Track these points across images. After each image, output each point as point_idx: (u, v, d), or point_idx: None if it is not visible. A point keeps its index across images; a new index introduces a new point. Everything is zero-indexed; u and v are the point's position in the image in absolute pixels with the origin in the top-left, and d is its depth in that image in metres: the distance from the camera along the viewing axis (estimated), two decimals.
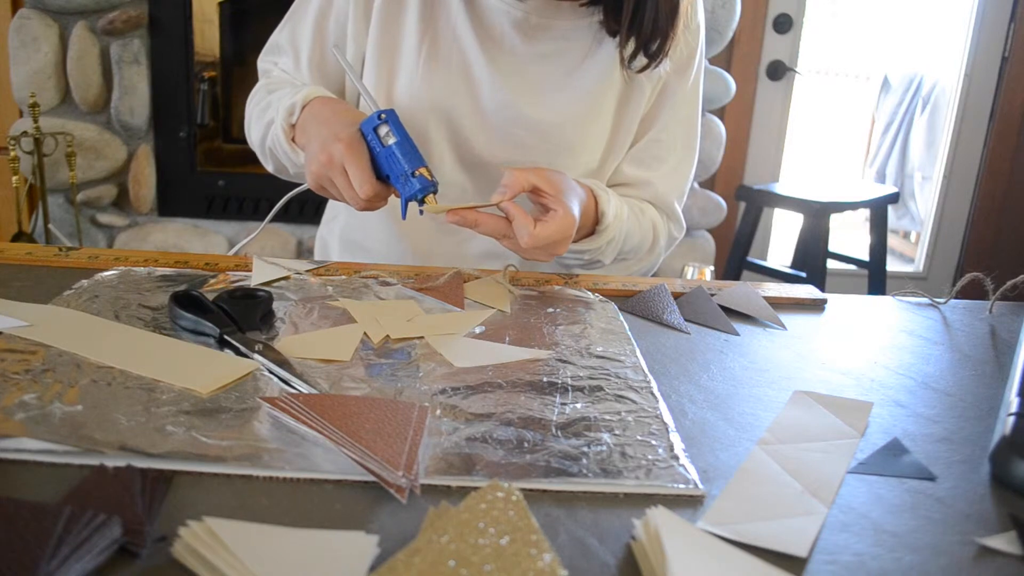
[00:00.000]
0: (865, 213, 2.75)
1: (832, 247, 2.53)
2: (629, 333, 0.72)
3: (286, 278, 0.81)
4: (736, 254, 2.52)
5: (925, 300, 0.90)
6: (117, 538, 0.37)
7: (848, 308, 0.86)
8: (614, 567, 0.40)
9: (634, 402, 0.58)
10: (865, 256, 2.62)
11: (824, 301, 0.87)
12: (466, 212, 0.74)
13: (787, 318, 0.81)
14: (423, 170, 0.75)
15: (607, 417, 0.55)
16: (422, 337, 0.68)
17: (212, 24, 2.36)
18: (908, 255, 3.73)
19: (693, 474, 0.48)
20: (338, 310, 0.73)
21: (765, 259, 2.87)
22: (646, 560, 0.40)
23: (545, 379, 0.61)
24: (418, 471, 0.46)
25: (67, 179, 2.20)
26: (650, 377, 0.63)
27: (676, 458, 0.50)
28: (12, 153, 2.05)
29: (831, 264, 2.65)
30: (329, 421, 0.49)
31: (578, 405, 0.57)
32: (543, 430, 0.52)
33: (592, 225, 0.87)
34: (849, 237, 3.53)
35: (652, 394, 0.59)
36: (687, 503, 0.46)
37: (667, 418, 0.56)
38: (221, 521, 0.39)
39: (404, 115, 0.90)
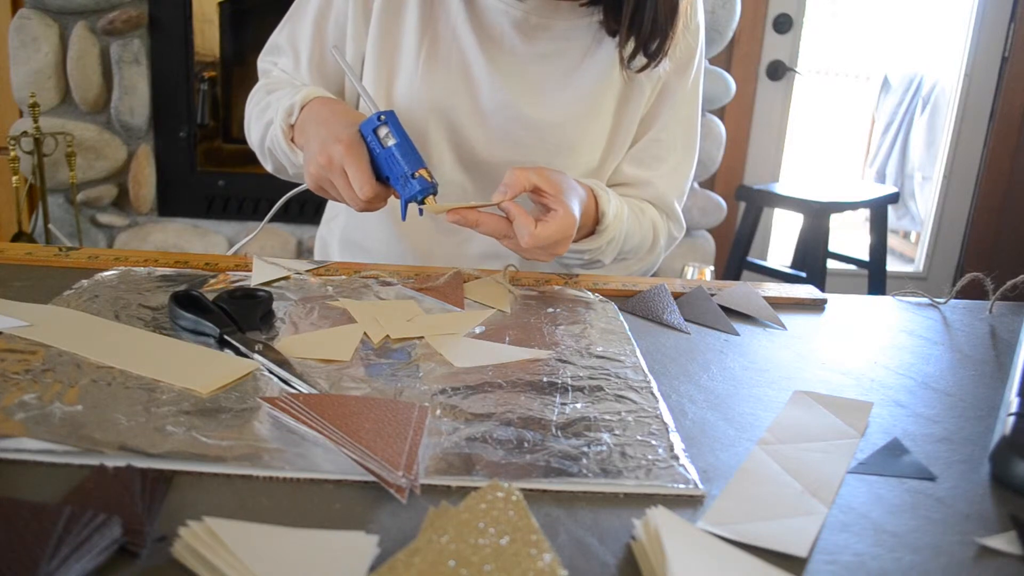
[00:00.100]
0: (865, 213, 2.75)
1: (832, 247, 2.53)
2: (629, 333, 0.72)
3: (286, 278, 0.81)
4: (736, 254, 2.52)
5: (925, 300, 0.90)
6: (117, 538, 0.37)
7: (848, 308, 0.86)
8: (614, 567, 0.40)
9: (634, 402, 0.58)
10: (865, 256, 2.62)
11: (824, 301, 0.87)
12: (467, 212, 0.74)
13: (787, 318, 0.81)
14: (423, 171, 0.75)
15: (607, 417, 0.55)
16: (422, 337, 0.68)
17: (212, 24, 2.36)
18: (908, 255, 3.73)
19: (693, 474, 0.48)
20: (338, 310, 0.73)
21: (765, 259, 2.87)
22: (646, 560, 0.40)
23: (545, 379, 0.61)
24: (418, 471, 0.46)
25: (67, 179, 2.20)
26: (650, 377, 0.63)
27: (676, 458, 0.50)
28: (12, 153, 2.05)
29: (831, 264, 2.65)
30: (329, 421, 0.49)
31: (578, 405, 0.57)
32: (543, 430, 0.52)
33: (592, 225, 0.87)
34: (849, 237, 3.53)
35: (652, 394, 0.59)
36: (687, 503, 0.46)
37: (667, 418, 0.56)
38: (221, 521, 0.39)
39: (404, 115, 0.90)
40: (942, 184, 3.07)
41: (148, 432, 0.49)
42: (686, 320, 0.78)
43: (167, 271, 0.81)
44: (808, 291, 0.89)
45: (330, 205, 1.10)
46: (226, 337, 0.63)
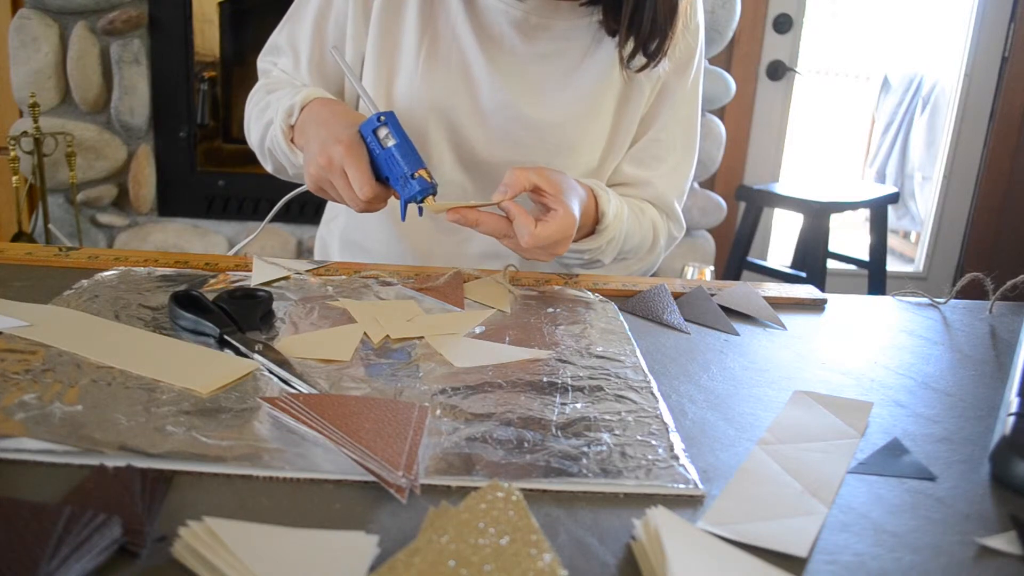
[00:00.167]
0: (865, 213, 2.75)
1: (832, 247, 2.53)
2: (629, 333, 0.72)
3: (286, 278, 0.81)
4: (736, 254, 2.52)
5: (925, 300, 0.90)
6: (117, 538, 0.37)
7: (848, 308, 0.86)
8: (614, 567, 0.40)
9: (634, 402, 0.58)
10: (865, 256, 2.62)
11: (824, 301, 0.87)
12: (467, 211, 0.74)
13: (787, 318, 0.81)
14: (422, 172, 0.75)
15: (607, 417, 0.55)
16: (422, 337, 0.68)
17: (212, 24, 2.36)
18: (908, 255, 3.73)
19: (693, 474, 0.48)
20: (338, 310, 0.73)
21: (765, 259, 2.87)
22: (646, 560, 0.40)
23: (545, 379, 0.61)
24: (418, 471, 0.46)
25: (67, 179, 2.20)
26: (650, 377, 0.63)
27: (676, 458, 0.50)
28: (12, 153, 2.05)
29: (831, 264, 2.65)
30: (329, 421, 0.49)
31: (578, 405, 0.57)
32: (543, 430, 0.52)
33: (592, 225, 0.87)
34: (849, 237, 3.53)
35: (652, 394, 0.59)
36: (687, 503, 0.46)
37: (667, 418, 0.56)
38: (221, 521, 0.39)
39: (403, 115, 0.90)
40: (942, 184, 3.07)
41: (148, 432, 0.49)
42: (686, 320, 0.78)
43: (167, 271, 0.81)
44: (808, 291, 0.89)
45: (330, 205, 1.10)
46: (226, 337, 0.63)
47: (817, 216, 2.36)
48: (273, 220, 1.05)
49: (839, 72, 4.32)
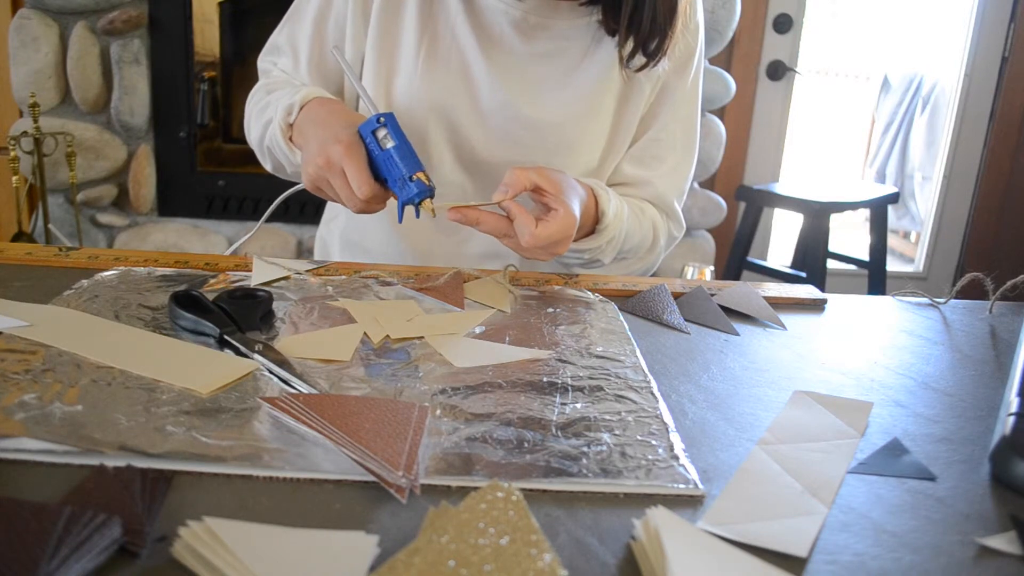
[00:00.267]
0: (865, 213, 2.75)
1: (832, 247, 2.53)
2: (629, 333, 0.72)
3: (286, 278, 0.81)
4: (736, 254, 2.52)
5: (925, 300, 0.90)
6: (117, 538, 0.37)
7: (848, 308, 0.86)
8: (614, 567, 0.40)
9: (634, 402, 0.58)
10: (865, 256, 2.62)
11: (824, 301, 0.87)
12: (467, 210, 0.74)
13: (787, 318, 0.81)
14: (421, 174, 0.75)
15: (607, 417, 0.55)
16: (422, 337, 0.68)
17: (212, 24, 2.36)
18: (908, 255, 3.73)
19: (693, 474, 0.48)
20: (338, 310, 0.73)
21: (765, 259, 2.87)
22: (646, 560, 0.40)
23: (545, 379, 0.61)
24: (418, 471, 0.46)
25: (67, 179, 2.20)
26: (650, 377, 0.63)
27: (676, 458, 0.50)
28: (12, 153, 2.05)
29: (831, 264, 2.65)
30: (329, 421, 0.49)
31: (578, 405, 0.57)
32: (543, 430, 0.52)
33: (592, 224, 0.87)
34: (849, 237, 3.53)
35: (652, 394, 0.59)
36: (687, 503, 0.46)
37: (667, 418, 0.56)
38: (221, 521, 0.39)
39: (403, 115, 0.90)
40: (942, 184, 3.07)
41: (148, 432, 0.49)
42: (686, 320, 0.78)
43: (167, 271, 0.81)
44: (808, 291, 0.89)
45: (330, 205, 1.10)
46: (226, 337, 0.63)
47: (817, 216, 2.36)
48: (273, 220, 1.05)
49: (839, 72, 4.32)
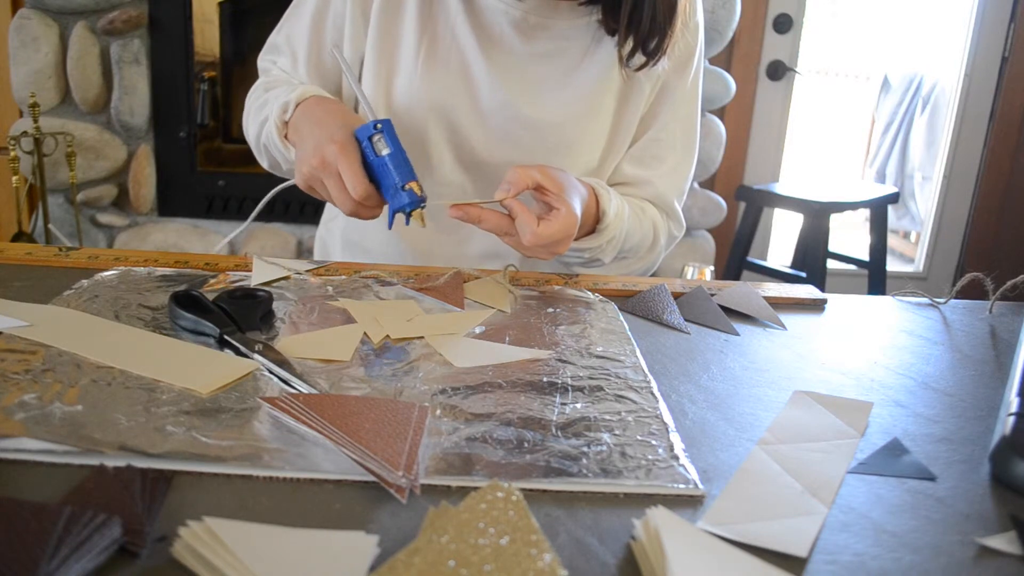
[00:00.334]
0: (865, 213, 2.75)
1: (832, 247, 2.53)
2: (629, 333, 0.72)
3: (286, 278, 0.81)
4: (736, 254, 2.52)
5: (925, 300, 0.90)
6: (117, 538, 0.37)
7: (848, 308, 0.86)
8: (614, 567, 0.40)
9: (634, 402, 0.58)
10: (865, 256, 2.62)
11: (824, 301, 0.87)
12: (469, 208, 0.74)
13: (787, 318, 0.81)
14: (413, 184, 0.75)
15: (607, 417, 0.55)
16: (422, 337, 0.68)
17: (212, 24, 2.35)
18: (908, 255, 3.73)
19: (693, 474, 0.48)
20: (338, 310, 0.73)
21: (765, 259, 2.87)
22: (646, 560, 0.40)
23: (545, 379, 0.61)
24: (418, 471, 0.46)
25: (67, 179, 2.20)
26: (650, 377, 0.63)
27: (676, 458, 0.50)
28: (12, 153, 2.05)
29: (831, 264, 2.65)
30: (329, 421, 0.49)
31: (578, 405, 0.57)
32: (543, 430, 0.52)
33: (593, 223, 0.87)
34: (849, 237, 3.53)
35: (652, 394, 0.59)
36: (687, 503, 0.46)
37: (667, 418, 0.56)
38: (221, 521, 0.39)
39: (403, 115, 0.90)
40: (942, 184, 3.07)
41: (148, 432, 0.49)
42: (686, 320, 0.78)
43: (167, 271, 0.81)
44: (808, 291, 0.89)
45: (329, 206, 1.10)
46: (226, 337, 0.63)
47: (817, 216, 2.36)
48: (273, 220, 1.05)
49: (839, 72, 4.32)
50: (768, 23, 2.72)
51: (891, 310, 0.88)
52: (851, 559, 0.42)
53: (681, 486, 0.47)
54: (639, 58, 0.87)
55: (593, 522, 0.43)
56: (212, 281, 0.79)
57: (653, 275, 1.02)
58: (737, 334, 0.76)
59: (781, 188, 2.49)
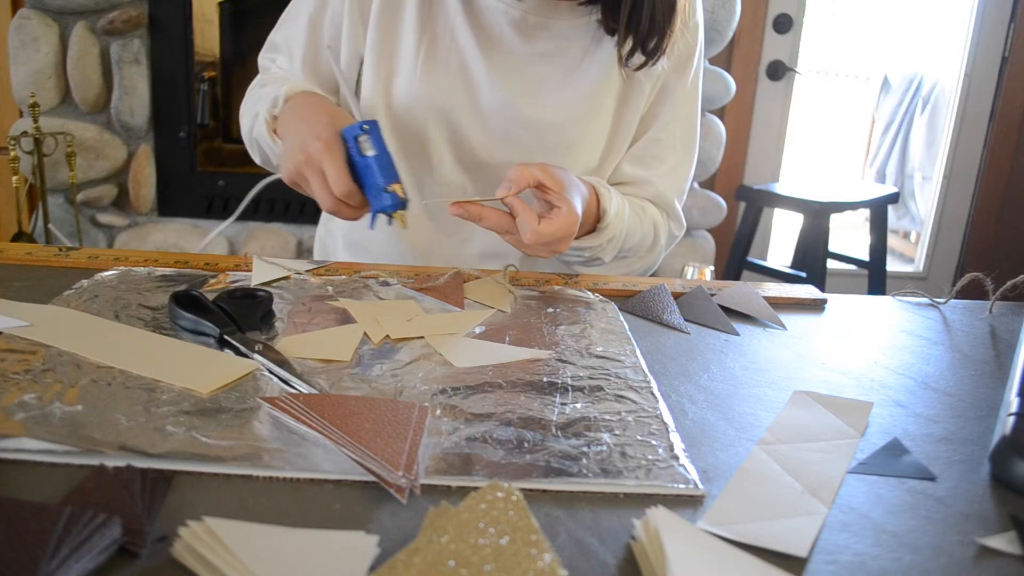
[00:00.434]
0: (865, 213, 2.75)
1: (832, 247, 2.53)
2: (629, 333, 0.72)
3: (286, 278, 0.81)
4: (736, 254, 2.52)
5: (925, 300, 0.90)
6: (117, 538, 0.37)
7: (848, 308, 0.86)
8: (614, 567, 0.40)
9: (634, 402, 0.58)
10: (865, 256, 2.62)
11: (824, 301, 0.87)
12: (470, 206, 0.74)
13: (787, 318, 0.81)
14: (396, 186, 0.75)
15: (607, 417, 0.55)
16: (422, 337, 0.68)
17: (212, 24, 2.36)
18: (908, 255, 3.73)
19: (693, 474, 0.48)
20: (338, 310, 0.73)
21: (765, 259, 2.87)
22: (646, 560, 0.40)
23: (545, 379, 0.61)
24: (418, 471, 0.46)
25: (67, 179, 2.20)
26: (650, 377, 0.63)
27: (676, 458, 0.50)
28: (12, 153, 2.05)
29: (831, 264, 2.65)
30: (329, 421, 0.49)
31: (578, 405, 0.57)
32: (543, 430, 0.52)
33: (594, 222, 0.87)
34: (849, 237, 3.53)
35: (652, 394, 0.59)
36: (687, 503, 0.46)
37: (667, 418, 0.56)
38: (221, 521, 0.39)
39: (403, 115, 0.90)
40: (942, 184, 3.07)
41: (148, 432, 0.49)
42: (686, 320, 0.78)
43: (167, 271, 0.81)
44: (808, 291, 0.89)
45: None
46: (226, 337, 0.63)
47: (817, 216, 2.36)
48: (273, 220, 1.05)
49: (839, 72, 4.32)
50: (768, 23, 2.72)
51: (891, 310, 0.88)
52: (851, 559, 0.42)
53: (681, 486, 0.47)
54: (639, 58, 0.87)
55: (593, 522, 0.43)
56: (212, 281, 0.79)
57: (653, 275, 1.02)
58: (737, 334, 0.76)
59: (781, 188, 2.49)
